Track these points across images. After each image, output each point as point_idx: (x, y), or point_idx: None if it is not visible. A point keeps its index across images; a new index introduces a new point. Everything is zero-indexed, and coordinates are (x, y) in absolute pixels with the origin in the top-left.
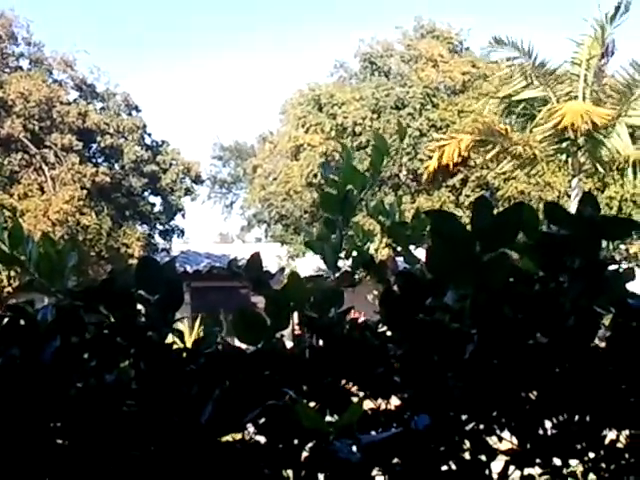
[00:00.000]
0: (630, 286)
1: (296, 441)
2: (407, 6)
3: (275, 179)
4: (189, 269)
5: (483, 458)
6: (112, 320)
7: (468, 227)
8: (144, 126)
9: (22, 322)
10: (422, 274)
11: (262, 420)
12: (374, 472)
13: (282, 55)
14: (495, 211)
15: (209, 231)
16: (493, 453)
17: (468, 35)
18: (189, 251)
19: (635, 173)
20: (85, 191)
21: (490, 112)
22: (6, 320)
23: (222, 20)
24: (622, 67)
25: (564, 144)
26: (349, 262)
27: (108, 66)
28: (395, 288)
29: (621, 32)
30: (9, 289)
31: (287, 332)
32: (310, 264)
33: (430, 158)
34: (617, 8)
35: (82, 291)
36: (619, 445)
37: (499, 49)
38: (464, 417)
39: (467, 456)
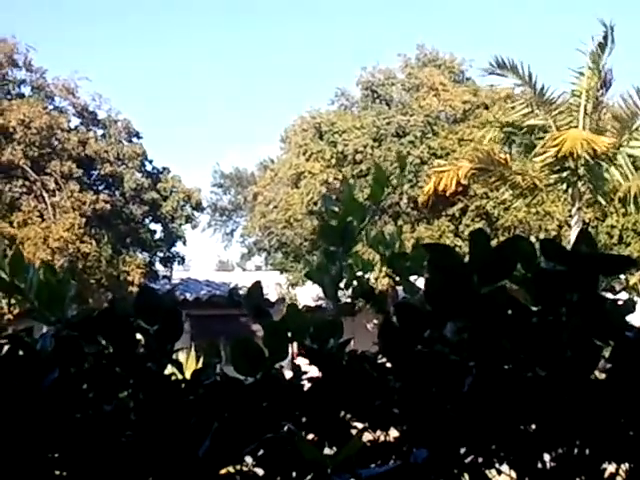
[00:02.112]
0: (631, 318)
1: (294, 474)
2: (410, 35)
3: (276, 207)
4: (189, 297)
5: None
6: (111, 350)
7: (467, 258)
8: (144, 153)
9: (20, 352)
10: (422, 305)
11: (260, 452)
12: None
13: (283, 82)
14: (494, 242)
15: (209, 259)
16: None
17: (470, 66)
18: (189, 279)
19: (637, 205)
20: (85, 219)
21: (490, 141)
22: (5, 350)
23: (222, 46)
24: (621, 97)
25: (564, 173)
26: (349, 292)
27: (109, 93)
28: (394, 319)
29: (621, 61)
30: (9, 316)
31: (286, 362)
32: (310, 292)
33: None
34: (604, 38)
35: (81, 321)
36: (618, 479)
37: (498, 71)
38: (463, 450)
39: None
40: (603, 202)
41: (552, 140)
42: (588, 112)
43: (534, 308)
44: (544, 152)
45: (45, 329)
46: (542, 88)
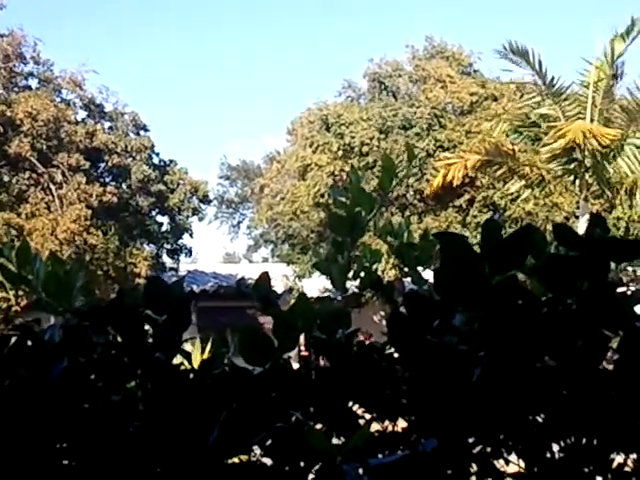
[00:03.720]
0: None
1: (303, 464)
2: (418, 27)
3: (282, 199)
4: (196, 289)
5: None
6: (119, 340)
7: (476, 248)
8: (152, 146)
9: (29, 342)
10: (430, 295)
11: (269, 442)
12: None
13: (290, 74)
14: (503, 232)
15: (216, 251)
16: (500, 476)
17: (479, 58)
18: (196, 271)
19: None
20: (92, 210)
21: (498, 132)
22: (13, 340)
23: (230, 39)
24: (628, 89)
25: (572, 165)
26: (356, 283)
27: (117, 86)
28: (403, 309)
29: (630, 54)
30: (17, 307)
31: (293, 353)
32: (317, 284)
33: (437, 176)
34: (627, 31)
35: (89, 311)
36: (627, 469)
37: (511, 56)
38: (471, 440)
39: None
40: (609, 194)
41: (557, 131)
42: (597, 104)
43: (544, 298)
44: (551, 143)
45: (52, 321)
46: (552, 79)
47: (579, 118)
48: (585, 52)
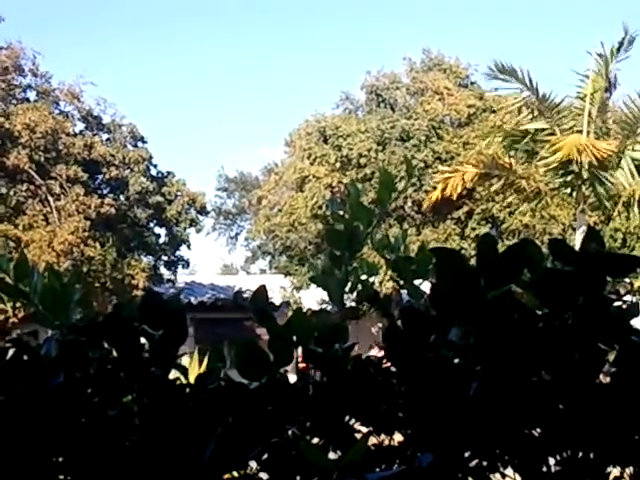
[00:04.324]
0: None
1: (299, 478)
2: (416, 39)
3: (280, 210)
4: (193, 301)
5: None
6: (115, 355)
7: (473, 260)
8: (150, 157)
9: (25, 357)
10: (426, 309)
11: (265, 456)
12: None
13: (288, 86)
14: (500, 245)
15: (213, 262)
16: None
17: (476, 70)
18: (193, 282)
19: None
20: (90, 222)
21: (495, 145)
22: (10, 354)
23: (227, 50)
24: (624, 102)
25: (569, 177)
26: (353, 296)
27: (114, 97)
28: (399, 323)
29: (627, 65)
30: (14, 319)
31: (291, 366)
32: (315, 296)
33: (435, 189)
34: (621, 43)
35: (85, 326)
36: None
37: (500, 76)
38: (467, 454)
39: None
40: (607, 205)
41: (552, 145)
42: (592, 116)
43: (540, 312)
44: (547, 157)
45: (50, 333)
46: (544, 95)
47: (575, 131)
48: (582, 62)
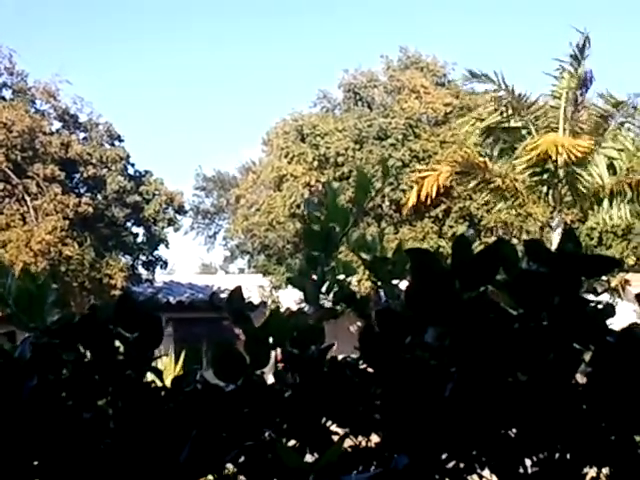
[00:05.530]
0: (613, 320)
1: None
2: (393, 37)
3: (258, 210)
4: (172, 300)
5: None
6: (90, 358)
7: (449, 261)
8: (127, 156)
9: None
10: (402, 310)
11: (242, 459)
12: None
13: (265, 85)
14: (478, 242)
15: (192, 262)
16: None
17: (453, 69)
18: (172, 282)
19: (611, 203)
20: (68, 221)
21: (471, 144)
22: None
23: (204, 49)
24: (594, 102)
25: (545, 175)
26: (330, 296)
27: (91, 96)
28: (375, 324)
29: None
30: None
31: (268, 367)
32: (293, 295)
33: (412, 188)
34: (582, 45)
35: (59, 328)
36: None
37: (475, 80)
38: (444, 456)
39: None
40: (581, 203)
41: (528, 144)
42: (567, 114)
43: (515, 312)
44: (524, 155)
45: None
46: (520, 94)
47: (550, 128)
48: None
